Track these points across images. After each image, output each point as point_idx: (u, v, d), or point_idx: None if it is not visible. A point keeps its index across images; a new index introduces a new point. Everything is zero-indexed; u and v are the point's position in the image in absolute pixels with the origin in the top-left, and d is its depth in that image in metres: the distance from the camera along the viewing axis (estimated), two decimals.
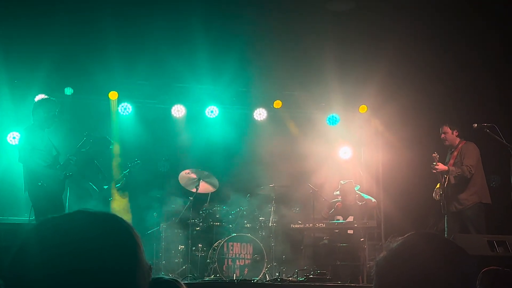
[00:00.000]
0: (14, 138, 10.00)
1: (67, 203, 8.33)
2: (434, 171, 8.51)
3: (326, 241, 9.34)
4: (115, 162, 9.83)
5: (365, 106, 11.31)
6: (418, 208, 9.71)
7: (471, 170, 8.46)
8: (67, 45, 9.27)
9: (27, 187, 7.43)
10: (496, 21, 9.25)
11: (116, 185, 9.23)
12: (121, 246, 1.38)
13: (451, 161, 8.62)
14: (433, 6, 8.82)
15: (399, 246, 1.84)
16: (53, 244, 1.32)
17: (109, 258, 1.34)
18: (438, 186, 8.79)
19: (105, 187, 9.07)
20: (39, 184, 7.27)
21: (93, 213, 1.43)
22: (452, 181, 8.52)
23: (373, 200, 9.84)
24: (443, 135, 8.82)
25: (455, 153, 8.63)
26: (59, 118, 7.84)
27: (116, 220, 1.43)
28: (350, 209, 9.62)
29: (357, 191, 9.86)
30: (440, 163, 8.44)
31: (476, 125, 8.07)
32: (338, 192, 9.92)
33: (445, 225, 8.64)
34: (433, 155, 8.60)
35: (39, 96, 7.80)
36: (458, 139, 8.78)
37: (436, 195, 8.77)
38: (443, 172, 8.54)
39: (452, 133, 8.77)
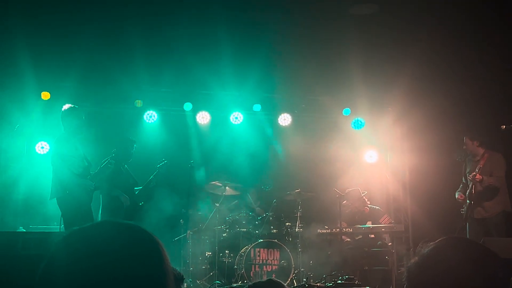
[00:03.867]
0: (42, 148, 10.13)
1: (99, 214, 8.41)
2: (476, 179, 8.62)
3: (351, 246, 9.29)
4: (143, 167, 9.87)
5: (390, 109, 11.25)
6: (446, 212, 9.60)
7: (501, 181, 8.71)
8: (94, 55, 9.37)
9: (55, 195, 7.50)
10: None
11: (150, 186, 9.22)
12: (148, 255, 1.40)
13: (477, 170, 8.68)
14: (459, 8, 8.72)
15: (431, 252, 1.83)
16: (82, 256, 1.34)
17: (139, 269, 1.36)
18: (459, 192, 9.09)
19: (136, 191, 9.12)
20: (67, 192, 7.35)
21: (118, 223, 1.45)
22: (479, 188, 8.69)
23: (379, 208, 9.97)
24: (464, 147, 9.05)
25: (482, 162, 8.75)
26: (87, 126, 7.95)
27: (141, 230, 1.45)
28: (365, 216, 9.62)
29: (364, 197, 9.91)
30: (478, 174, 8.56)
31: (504, 126, 8.04)
32: (345, 201, 9.89)
33: (467, 231, 8.72)
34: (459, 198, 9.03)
35: (66, 105, 7.90)
36: (480, 149, 8.94)
37: (461, 199, 8.97)
38: (476, 181, 8.63)
39: (473, 144, 8.95)
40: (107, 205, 8.57)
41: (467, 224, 8.87)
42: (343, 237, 9.32)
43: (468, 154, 9.08)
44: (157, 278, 1.38)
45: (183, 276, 4.45)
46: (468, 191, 8.84)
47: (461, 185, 9.22)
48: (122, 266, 1.33)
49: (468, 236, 8.67)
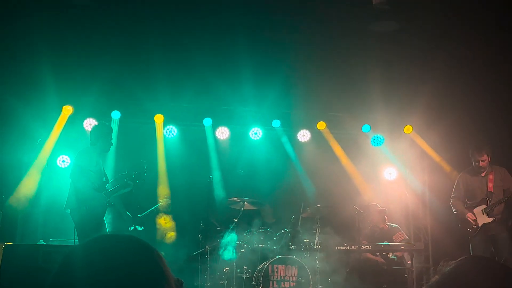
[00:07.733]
0: (63, 161, 10.24)
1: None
2: None
3: (371, 263, 9.23)
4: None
5: (410, 126, 11.21)
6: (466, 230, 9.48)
7: None
8: (115, 70, 9.48)
9: (69, 206, 7.54)
10: None
11: (139, 215, 9.28)
12: (145, 263, 1.44)
13: (490, 185, 8.53)
14: (478, 26, 8.70)
15: (452, 270, 1.82)
16: (85, 273, 1.38)
17: (137, 277, 1.40)
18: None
19: (139, 215, 9.18)
20: (81, 205, 7.39)
21: (115, 236, 1.50)
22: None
23: (397, 226, 9.87)
24: (483, 163, 8.69)
25: (491, 177, 8.61)
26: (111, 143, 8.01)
27: (137, 240, 1.49)
28: (384, 232, 9.55)
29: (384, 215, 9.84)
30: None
31: None
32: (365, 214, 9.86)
33: (492, 249, 8.54)
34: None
35: (94, 121, 7.96)
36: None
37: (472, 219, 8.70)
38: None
39: (488, 159, 8.70)
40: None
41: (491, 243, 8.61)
42: (368, 255, 9.28)
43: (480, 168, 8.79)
44: (155, 285, 1.42)
45: (182, 282, 4.47)
46: (484, 207, 8.62)
47: (462, 201, 8.94)
48: (123, 277, 1.38)
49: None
